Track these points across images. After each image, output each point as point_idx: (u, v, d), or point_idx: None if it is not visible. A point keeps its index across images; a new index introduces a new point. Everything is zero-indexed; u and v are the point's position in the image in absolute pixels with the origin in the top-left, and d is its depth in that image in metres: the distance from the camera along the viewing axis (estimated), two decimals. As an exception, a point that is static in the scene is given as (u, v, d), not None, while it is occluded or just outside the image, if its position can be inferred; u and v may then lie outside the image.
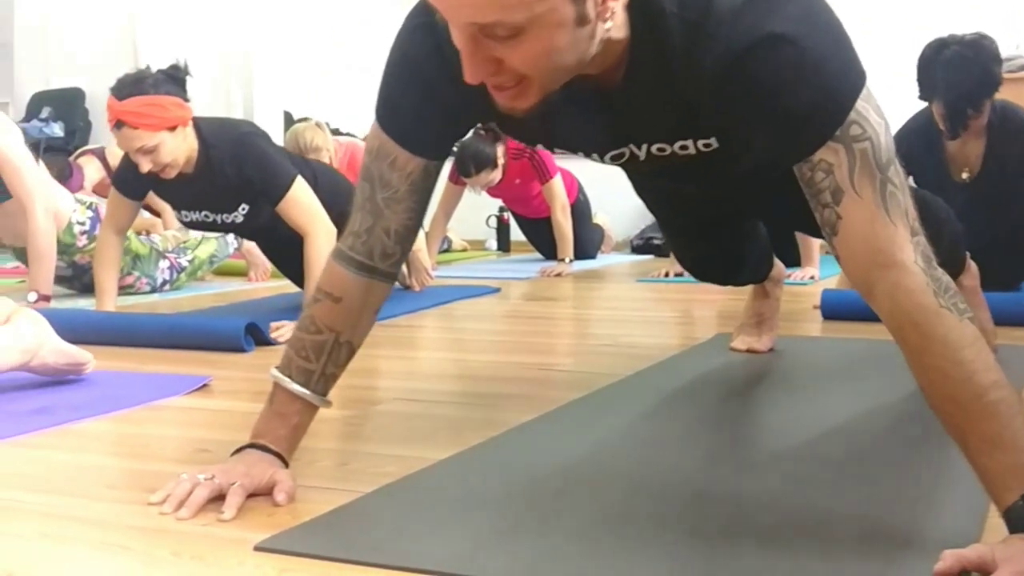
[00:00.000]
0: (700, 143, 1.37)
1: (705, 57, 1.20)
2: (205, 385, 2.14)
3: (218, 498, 1.31)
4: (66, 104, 7.32)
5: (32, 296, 3.37)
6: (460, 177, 5.14)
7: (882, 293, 1.18)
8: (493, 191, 5.42)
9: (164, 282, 4.17)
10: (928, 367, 1.14)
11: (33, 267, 3.48)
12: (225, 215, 2.09)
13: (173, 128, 2.05)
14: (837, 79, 1.19)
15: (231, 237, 4.47)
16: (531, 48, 1.09)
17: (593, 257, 5.74)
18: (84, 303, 3.60)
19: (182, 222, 1.99)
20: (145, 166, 1.86)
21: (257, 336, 2.64)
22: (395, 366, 2.51)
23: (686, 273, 4.40)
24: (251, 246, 4.47)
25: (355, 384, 2.07)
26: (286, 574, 1.11)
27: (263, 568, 1.13)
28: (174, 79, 1.97)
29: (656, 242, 6.09)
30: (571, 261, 5.02)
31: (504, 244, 6.64)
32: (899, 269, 1.16)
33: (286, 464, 1.41)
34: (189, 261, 4.27)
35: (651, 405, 2.01)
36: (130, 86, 1.96)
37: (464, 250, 6.60)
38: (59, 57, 7.51)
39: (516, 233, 6.30)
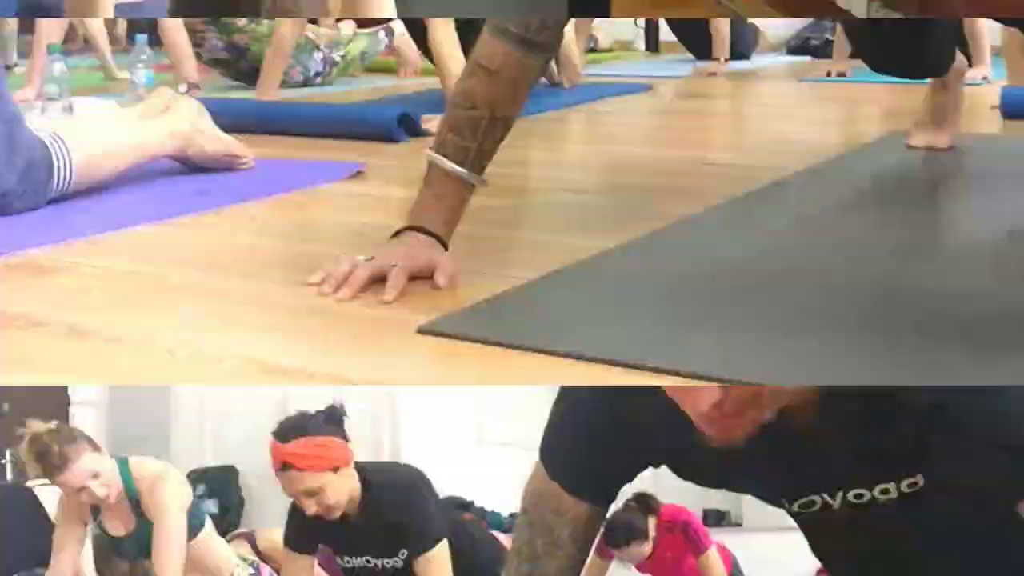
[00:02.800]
0: None
1: None
2: (359, 172, 2.09)
3: (378, 280, 1.26)
4: (220, 482, 6.99)
5: (183, 87, 3.43)
6: (608, 548, 4.62)
7: None
8: (642, 566, 4.84)
9: (316, 74, 4.16)
10: None
11: (173, 58, 3.68)
12: (386, 559, 2.08)
13: (336, 469, 2.04)
14: None
15: (382, 34, 4.40)
16: None
17: (748, 57, 5.48)
18: (239, 95, 3.61)
19: (344, 568, 1.98)
20: (311, 508, 1.84)
21: (409, 126, 2.58)
22: (548, 157, 2.43)
23: (848, 72, 4.26)
24: (402, 43, 4.40)
25: (509, 173, 1.99)
26: (451, 358, 1.07)
27: (425, 350, 1.08)
28: (333, 420, 1.94)
29: (814, 43, 5.79)
30: (726, 60, 4.79)
31: (653, 44, 6.40)
32: None
33: (445, 247, 1.35)
34: (341, 56, 4.23)
35: (827, 201, 1.88)
36: (294, 429, 1.92)
37: (610, 50, 6.40)
38: (214, 439, 7.15)
39: (665, 34, 6.05)
